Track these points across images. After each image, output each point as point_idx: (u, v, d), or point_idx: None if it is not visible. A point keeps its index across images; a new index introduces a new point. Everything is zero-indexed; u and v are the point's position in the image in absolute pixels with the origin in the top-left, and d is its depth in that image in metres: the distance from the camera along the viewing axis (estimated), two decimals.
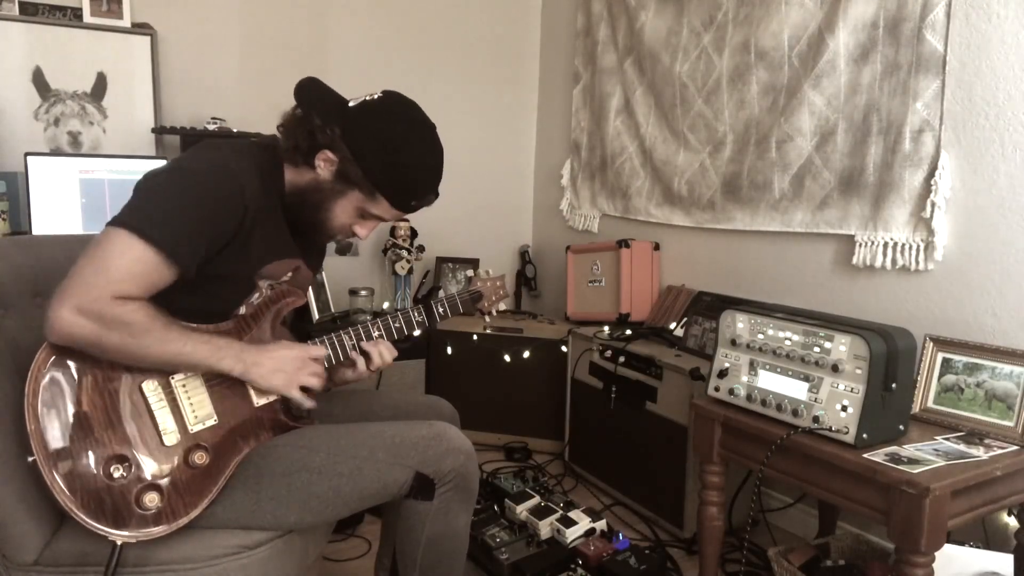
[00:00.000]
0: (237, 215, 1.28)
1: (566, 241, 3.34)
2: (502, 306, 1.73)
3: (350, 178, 1.36)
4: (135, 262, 1.19)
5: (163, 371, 1.26)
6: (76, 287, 1.16)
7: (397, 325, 1.53)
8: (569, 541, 2.10)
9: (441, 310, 1.59)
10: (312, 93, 1.39)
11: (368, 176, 1.35)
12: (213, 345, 1.26)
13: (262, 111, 2.92)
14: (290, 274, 1.48)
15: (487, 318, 1.72)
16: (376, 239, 3.28)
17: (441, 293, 1.64)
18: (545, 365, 3.00)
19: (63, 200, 2.44)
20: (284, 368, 1.32)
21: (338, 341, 1.47)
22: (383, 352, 1.50)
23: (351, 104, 1.37)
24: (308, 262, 1.54)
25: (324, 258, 1.68)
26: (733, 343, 1.86)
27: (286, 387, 1.33)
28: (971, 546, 1.77)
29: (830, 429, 1.60)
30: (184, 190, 1.25)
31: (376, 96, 1.38)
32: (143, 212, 1.22)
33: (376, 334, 1.51)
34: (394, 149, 1.35)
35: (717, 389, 1.88)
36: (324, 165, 1.36)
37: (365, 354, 1.49)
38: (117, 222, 1.20)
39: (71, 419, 1.20)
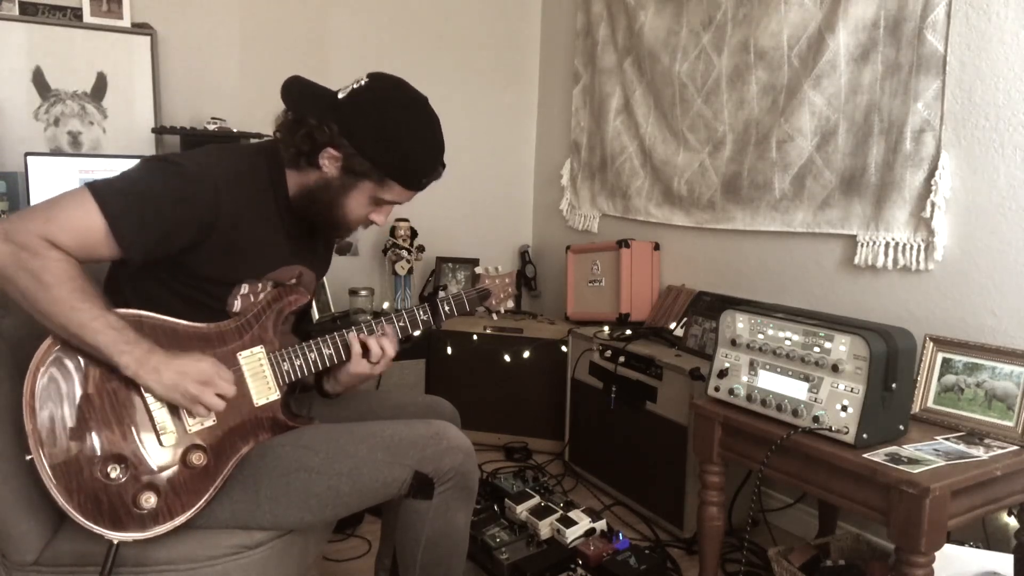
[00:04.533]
0: (205, 219, 1.27)
1: (566, 241, 3.34)
2: (510, 304, 1.71)
3: (357, 170, 1.35)
4: (81, 218, 1.18)
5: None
6: (17, 216, 1.18)
7: (402, 324, 1.52)
8: (569, 541, 2.10)
9: (447, 308, 1.56)
10: (300, 93, 1.39)
11: (375, 165, 1.35)
12: (123, 336, 1.19)
13: (262, 111, 2.90)
14: (294, 280, 1.48)
15: (494, 316, 1.70)
16: (376, 239, 3.28)
17: (446, 292, 1.60)
18: (545, 365, 3.00)
19: None
20: (185, 383, 1.22)
21: (340, 340, 1.46)
22: (385, 345, 1.47)
23: (340, 95, 1.36)
24: (311, 266, 1.54)
25: (329, 264, 1.67)
26: (733, 343, 1.86)
27: (184, 402, 1.24)
28: (971, 546, 1.77)
29: (830, 429, 1.60)
30: (158, 180, 1.25)
31: (363, 82, 1.38)
32: (114, 183, 1.23)
33: (379, 332, 1.50)
34: (394, 133, 1.35)
35: (717, 389, 1.88)
36: (329, 163, 1.36)
37: (364, 348, 1.47)
38: (89, 182, 1.22)
39: (69, 418, 1.20)
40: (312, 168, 1.38)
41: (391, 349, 1.49)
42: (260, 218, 1.37)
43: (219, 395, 1.26)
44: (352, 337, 1.46)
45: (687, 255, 2.85)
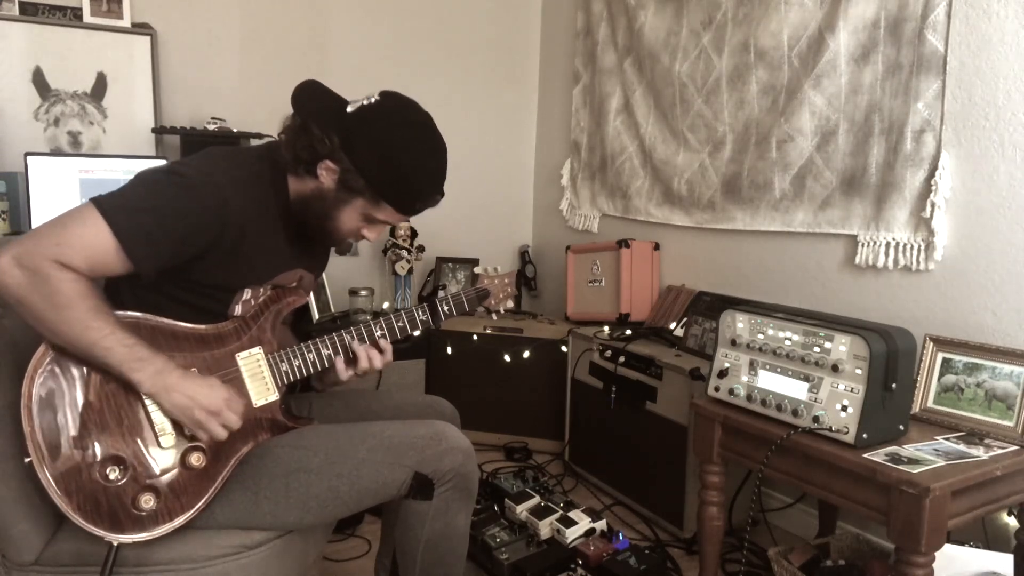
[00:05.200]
0: (213, 229, 1.26)
1: (566, 241, 3.34)
2: (509, 304, 1.70)
3: (353, 187, 1.34)
4: (90, 237, 1.18)
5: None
6: (26, 239, 1.17)
7: (400, 324, 1.51)
8: (569, 541, 2.10)
9: (446, 308, 1.55)
10: (309, 99, 1.38)
11: (370, 185, 1.34)
12: (134, 353, 1.19)
13: (262, 111, 2.94)
14: (295, 283, 1.48)
15: (494, 316, 1.70)
16: (375, 242, 3.28)
17: (445, 292, 1.59)
18: (545, 365, 3.00)
19: (63, 200, 2.44)
20: (193, 409, 1.22)
21: (339, 341, 1.46)
22: (372, 357, 1.47)
23: (349, 109, 1.35)
24: (311, 268, 1.54)
25: (327, 264, 1.67)
26: (733, 343, 1.86)
27: (190, 425, 1.25)
28: (971, 546, 1.77)
29: (830, 429, 1.60)
30: (165, 194, 1.24)
31: (373, 100, 1.36)
32: (119, 198, 1.23)
33: (379, 333, 1.50)
34: (394, 156, 1.33)
35: (717, 389, 1.88)
36: (326, 175, 1.35)
37: (354, 356, 1.46)
38: (94, 198, 1.21)
39: (67, 421, 1.20)
40: (310, 177, 1.37)
41: (379, 363, 1.48)
42: (264, 224, 1.36)
43: (224, 426, 1.26)
44: (357, 347, 1.46)
45: (687, 255, 2.85)
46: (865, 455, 1.53)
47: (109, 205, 1.20)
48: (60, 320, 1.16)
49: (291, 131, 1.37)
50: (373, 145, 1.33)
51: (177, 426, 1.26)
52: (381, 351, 1.49)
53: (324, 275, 2.85)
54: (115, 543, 1.20)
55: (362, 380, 1.55)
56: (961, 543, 1.76)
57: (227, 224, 1.28)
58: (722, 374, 1.86)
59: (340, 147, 1.32)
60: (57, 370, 1.21)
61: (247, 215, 1.31)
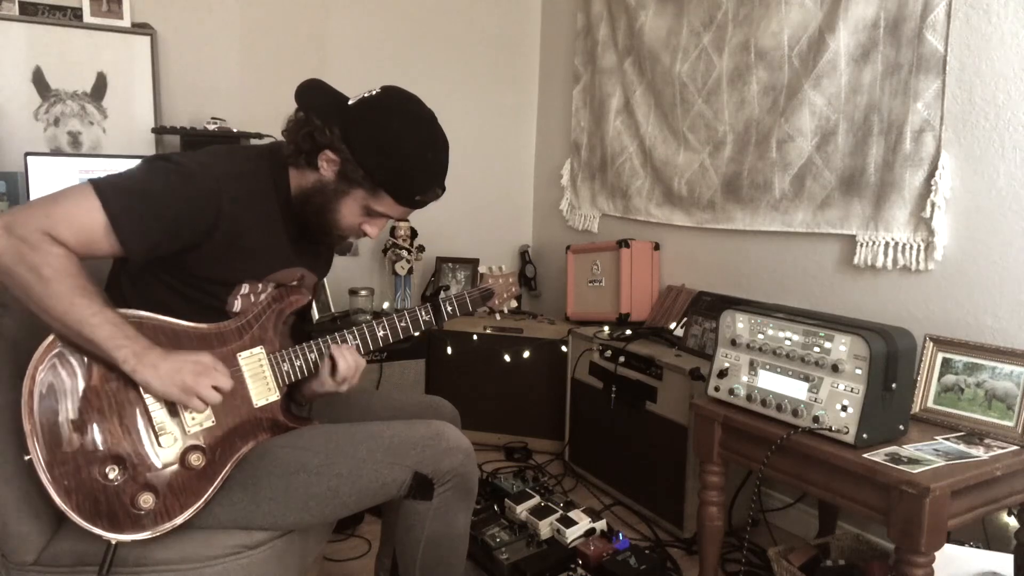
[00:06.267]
0: (206, 219, 1.27)
1: (566, 241, 3.34)
2: (513, 303, 1.70)
3: (352, 177, 1.35)
4: (82, 213, 1.18)
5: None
6: (19, 210, 1.18)
7: (403, 324, 1.52)
8: (569, 541, 2.10)
9: (450, 309, 1.56)
10: (312, 94, 1.39)
11: (369, 174, 1.34)
12: (121, 331, 1.18)
13: (262, 111, 2.94)
14: (295, 282, 1.48)
15: (496, 316, 1.70)
16: (376, 239, 3.28)
17: (450, 291, 1.59)
18: (545, 365, 3.00)
19: None
20: (181, 375, 1.21)
21: (341, 341, 1.46)
22: (348, 359, 1.44)
23: (350, 102, 1.37)
24: (313, 269, 1.54)
25: (331, 266, 1.67)
26: (733, 343, 1.86)
27: (181, 396, 1.22)
28: (971, 546, 1.76)
29: (830, 429, 1.60)
30: (159, 179, 1.25)
31: (374, 92, 1.38)
32: (116, 180, 1.23)
33: (381, 333, 1.50)
34: (392, 146, 1.34)
35: (717, 389, 1.88)
36: (326, 165, 1.36)
37: (332, 363, 1.45)
38: (92, 179, 1.22)
39: (67, 419, 1.20)
40: (310, 169, 1.38)
41: (355, 378, 1.46)
42: (262, 220, 1.37)
43: (216, 388, 1.24)
44: (335, 350, 1.44)
45: (687, 255, 2.85)
46: (865, 455, 1.53)
47: (104, 185, 1.21)
48: (46, 293, 1.15)
49: (293, 123, 1.39)
50: (372, 135, 1.33)
51: (177, 424, 1.26)
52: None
53: None
54: (113, 541, 1.20)
55: (329, 394, 1.52)
56: (961, 543, 1.76)
57: (221, 215, 1.28)
58: (722, 374, 1.86)
59: (340, 137, 1.33)
60: (57, 369, 1.21)
61: (244, 209, 1.32)
